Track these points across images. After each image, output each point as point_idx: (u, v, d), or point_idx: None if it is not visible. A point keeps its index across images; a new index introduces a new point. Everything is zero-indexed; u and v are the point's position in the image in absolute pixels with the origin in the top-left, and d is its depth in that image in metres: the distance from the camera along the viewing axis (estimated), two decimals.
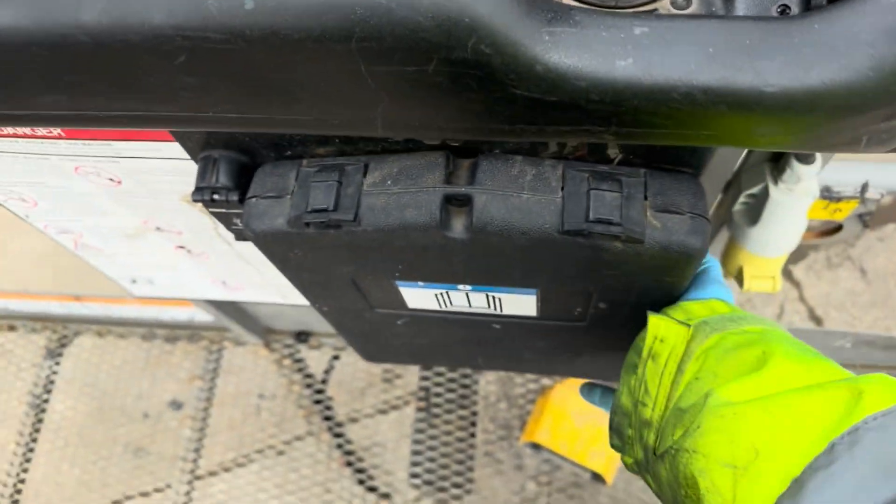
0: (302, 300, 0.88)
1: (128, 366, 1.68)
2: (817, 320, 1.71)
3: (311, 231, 0.48)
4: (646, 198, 0.45)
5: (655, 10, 0.39)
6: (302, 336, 1.66)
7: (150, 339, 1.69)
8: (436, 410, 1.55)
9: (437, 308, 0.61)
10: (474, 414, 1.54)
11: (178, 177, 0.57)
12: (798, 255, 1.78)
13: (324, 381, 1.62)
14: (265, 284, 0.83)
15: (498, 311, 0.60)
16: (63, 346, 1.71)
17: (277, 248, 0.51)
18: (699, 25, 0.29)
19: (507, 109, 0.31)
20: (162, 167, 0.56)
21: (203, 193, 0.51)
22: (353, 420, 1.58)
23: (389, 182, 0.46)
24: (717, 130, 0.30)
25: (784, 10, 0.38)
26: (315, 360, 1.65)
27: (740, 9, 0.38)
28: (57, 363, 1.69)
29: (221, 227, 0.67)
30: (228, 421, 1.59)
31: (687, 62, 0.28)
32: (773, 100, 0.28)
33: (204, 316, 1.54)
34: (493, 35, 0.27)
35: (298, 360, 1.65)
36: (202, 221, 0.66)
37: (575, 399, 1.28)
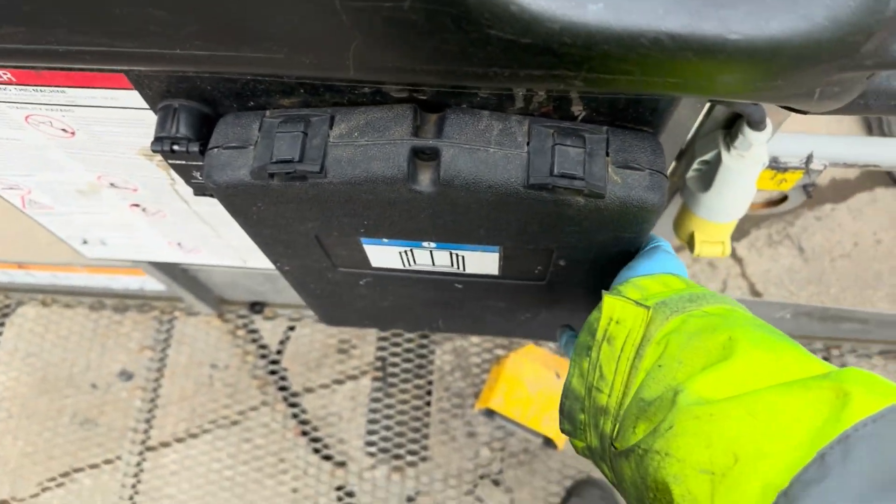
0: (262, 264, 0.87)
1: (74, 336, 1.63)
2: (757, 295, 1.78)
3: (276, 183, 0.47)
4: (607, 154, 0.46)
5: None
6: (256, 307, 1.64)
7: (98, 310, 1.65)
8: (392, 380, 1.56)
9: (401, 267, 0.62)
10: (430, 384, 1.56)
11: (136, 128, 0.56)
12: (740, 233, 1.85)
13: (279, 353, 1.61)
14: (223, 247, 0.82)
15: (460, 270, 0.61)
16: (5, 315, 1.65)
17: (239, 202, 0.51)
18: None
19: (482, 52, 0.31)
20: (118, 117, 0.54)
21: (163, 143, 0.50)
22: (309, 390, 1.58)
23: (356, 134, 0.46)
24: (682, 77, 0.31)
25: None
26: (269, 331, 1.64)
27: None
28: None
29: (179, 184, 0.66)
30: (180, 391, 1.57)
31: (655, 9, 0.29)
32: (736, 47, 0.29)
33: (155, 285, 1.50)
34: None
35: (253, 331, 1.64)
36: (159, 177, 0.64)
37: (529, 367, 1.31)
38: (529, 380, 1.28)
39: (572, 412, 0.48)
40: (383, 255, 0.59)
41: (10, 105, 0.54)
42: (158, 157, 0.61)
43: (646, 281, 0.48)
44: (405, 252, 0.59)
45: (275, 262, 0.65)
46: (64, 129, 0.57)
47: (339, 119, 0.47)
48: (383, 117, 0.46)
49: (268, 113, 0.49)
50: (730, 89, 0.32)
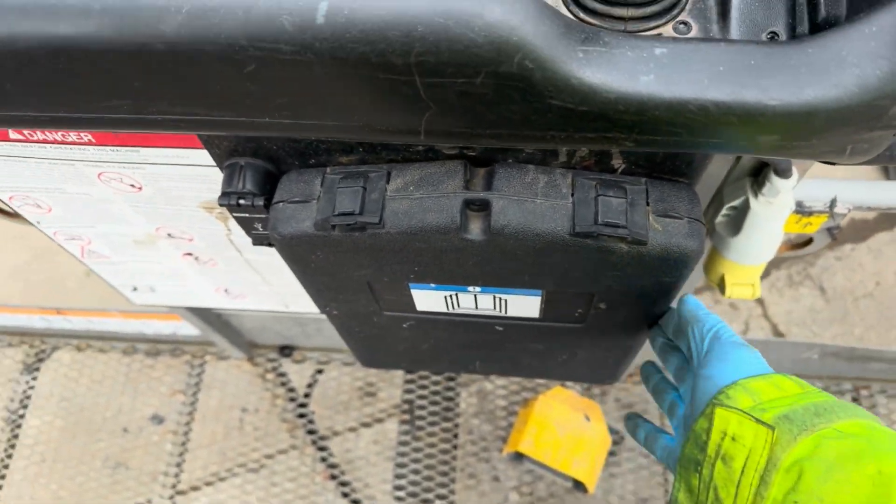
0: (303, 309, 0.90)
1: (107, 380, 1.67)
2: (780, 335, 1.78)
3: (337, 234, 0.51)
4: (647, 203, 0.49)
5: (660, 34, 0.44)
6: (286, 350, 1.67)
7: (130, 354, 1.68)
8: (419, 423, 1.57)
9: (445, 310, 0.65)
10: (456, 426, 1.57)
11: (200, 183, 0.60)
12: (761, 274, 1.86)
13: (307, 396, 1.63)
14: (268, 293, 0.86)
15: (502, 313, 0.64)
16: (40, 360, 1.69)
17: (300, 251, 0.54)
18: (710, 47, 0.33)
19: (543, 118, 0.35)
20: (185, 174, 0.58)
21: (230, 198, 0.54)
22: (336, 433, 1.59)
23: (412, 188, 0.50)
24: (724, 138, 0.35)
25: (773, 37, 0.43)
26: (298, 374, 1.66)
27: (735, 35, 0.43)
28: (34, 378, 1.67)
29: (234, 234, 0.70)
30: (211, 435, 1.59)
31: (701, 79, 0.33)
32: (775, 112, 0.33)
33: (188, 330, 1.54)
34: (536, 52, 0.31)
35: (282, 375, 1.66)
36: (216, 228, 0.68)
37: (557, 409, 1.31)
38: (559, 422, 1.29)
39: None
40: (429, 299, 0.62)
41: (86, 164, 0.58)
42: (218, 209, 0.65)
43: (757, 384, 0.44)
44: (450, 296, 0.61)
45: (323, 308, 0.68)
46: (132, 185, 0.61)
47: (395, 174, 0.51)
48: (436, 172, 0.50)
49: (328, 170, 0.53)
50: (768, 148, 0.35)
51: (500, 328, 0.67)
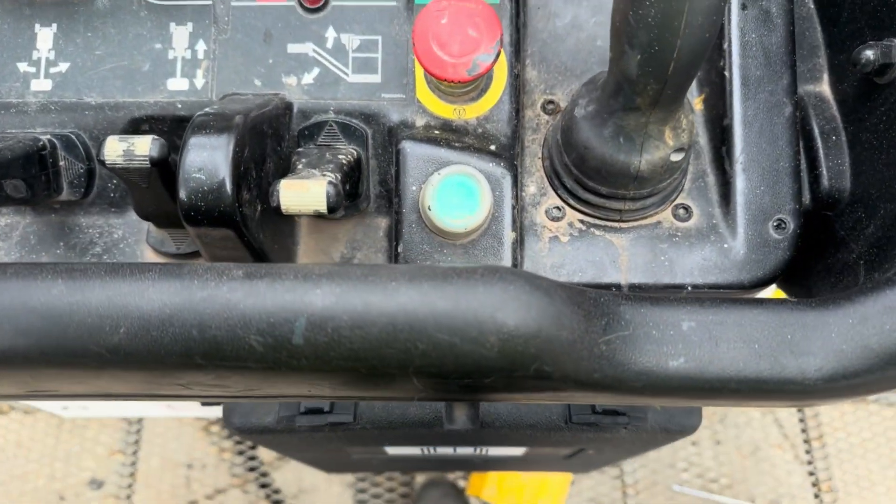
0: None
1: (36, 444, 1.54)
2: None
3: (304, 428, 0.45)
4: None
5: (658, 222, 0.40)
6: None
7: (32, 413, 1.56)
8: (375, 479, 1.53)
9: (420, 455, 0.60)
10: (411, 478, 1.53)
11: None
12: None
13: (255, 447, 1.56)
14: None
15: (483, 454, 0.60)
16: None
17: (261, 439, 0.48)
18: (742, 316, 0.29)
19: (556, 397, 0.30)
20: None
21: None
22: (298, 488, 1.53)
23: None
24: (758, 403, 0.31)
25: (780, 224, 0.40)
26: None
27: (739, 219, 0.40)
28: None
29: None
30: (156, 496, 1.50)
31: (738, 359, 0.29)
32: (817, 386, 0.29)
33: None
34: (555, 357, 0.27)
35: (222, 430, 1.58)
36: None
37: None
38: None
39: None
40: (404, 451, 0.58)
41: None
42: None
43: None
44: (426, 449, 0.57)
45: (291, 455, 0.62)
46: None
47: None
48: None
49: None
50: (800, 405, 0.32)
51: (479, 462, 0.64)
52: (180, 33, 0.40)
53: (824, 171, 0.41)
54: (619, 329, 0.28)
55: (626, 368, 0.28)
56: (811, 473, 1.51)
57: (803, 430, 1.55)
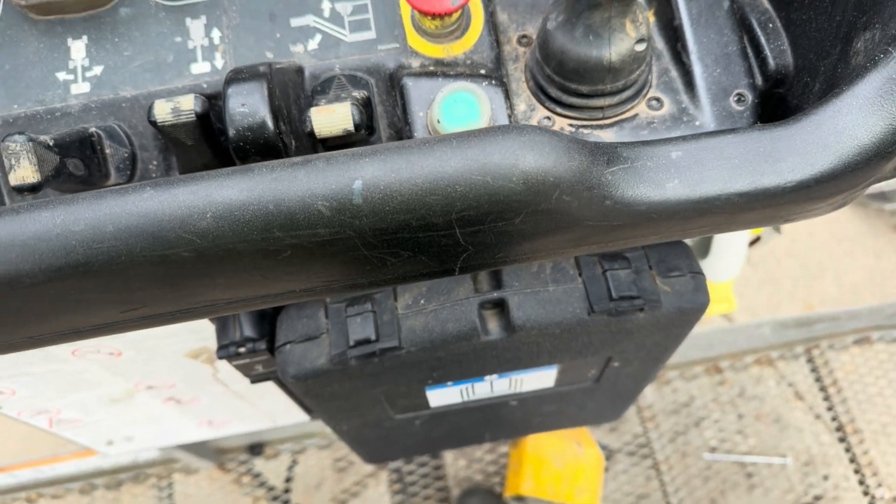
0: (293, 420, 0.87)
1: None
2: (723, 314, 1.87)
3: (354, 364, 0.49)
4: (650, 268, 0.50)
5: (636, 114, 0.46)
6: (256, 449, 1.59)
7: (89, 492, 1.56)
8: (411, 489, 1.54)
9: (460, 400, 0.64)
10: (446, 484, 1.54)
11: (187, 335, 0.56)
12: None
13: (287, 491, 1.56)
14: (256, 414, 0.82)
15: (517, 391, 0.64)
16: None
17: (314, 386, 0.52)
18: (720, 141, 0.35)
19: (578, 237, 0.35)
20: (168, 330, 0.55)
21: (228, 350, 0.52)
22: None
23: (423, 301, 0.49)
24: (749, 220, 0.36)
25: (740, 98, 0.45)
26: (274, 470, 1.59)
27: (704, 100, 0.46)
28: None
29: (222, 373, 0.67)
30: None
31: (722, 175, 0.34)
32: (793, 190, 0.34)
33: (148, 453, 1.44)
34: (571, 186, 0.32)
35: (257, 475, 1.58)
36: (202, 371, 0.65)
37: (549, 442, 1.32)
38: (554, 455, 1.29)
39: None
40: (444, 396, 0.61)
41: (56, 345, 0.54)
42: (205, 355, 0.61)
43: None
44: (466, 389, 0.61)
45: (333, 425, 0.65)
46: (111, 353, 0.57)
47: (400, 290, 0.50)
48: (443, 280, 0.50)
49: (328, 299, 0.51)
50: (784, 219, 0.37)
51: (515, 403, 0.67)
52: (196, 26, 0.46)
53: (769, 54, 0.47)
54: (620, 163, 0.34)
55: (630, 193, 0.33)
56: (833, 419, 1.54)
57: (818, 380, 1.59)
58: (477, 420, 0.73)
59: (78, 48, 0.46)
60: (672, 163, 0.34)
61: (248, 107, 0.37)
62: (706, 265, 0.76)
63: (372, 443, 0.75)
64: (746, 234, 0.72)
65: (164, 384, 0.67)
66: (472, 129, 0.32)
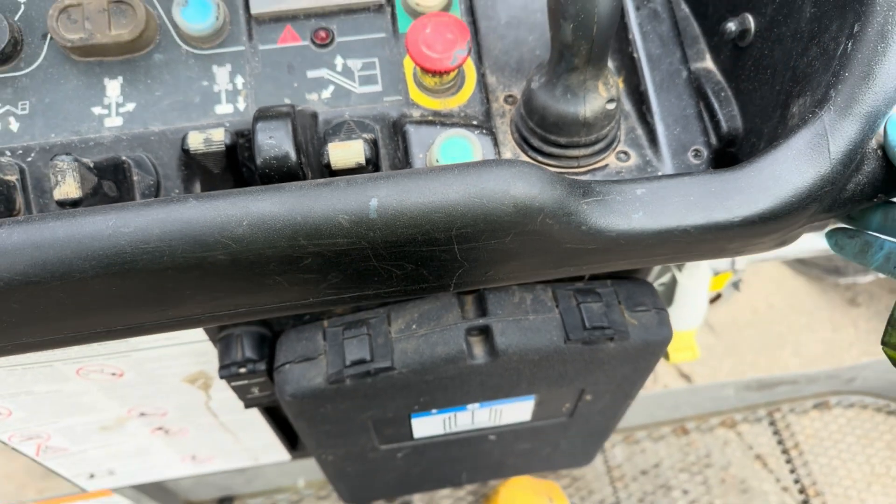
0: (274, 459, 0.89)
1: None
2: (686, 377, 1.92)
3: (349, 384, 0.53)
4: (619, 302, 0.56)
5: (606, 164, 0.52)
6: (225, 502, 1.57)
7: None
8: None
9: (442, 432, 0.67)
10: None
11: (188, 358, 0.60)
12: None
13: None
14: (238, 451, 0.83)
15: (497, 423, 0.68)
16: None
17: (309, 407, 0.56)
18: (679, 182, 0.41)
19: (558, 259, 0.40)
20: (172, 353, 0.59)
21: (230, 370, 0.55)
22: None
23: (414, 326, 0.54)
24: (703, 251, 0.42)
25: (697, 153, 0.52)
26: None
27: (665, 154, 0.52)
28: None
29: (214, 401, 0.69)
30: None
31: (679, 210, 0.40)
32: (740, 225, 0.41)
33: None
34: (553, 211, 0.37)
35: None
36: (196, 397, 0.67)
37: (521, 497, 1.33)
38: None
39: None
40: (428, 425, 0.65)
41: (65, 362, 0.57)
42: (202, 380, 0.64)
43: None
44: (449, 418, 0.64)
45: (319, 455, 0.68)
46: (114, 373, 0.60)
47: (394, 316, 0.55)
48: (433, 308, 0.54)
49: (326, 323, 0.55)
50: (733, 251, 0.43)
51: (494, 437, 0.71)
52: (222, 73, 0.52)
53: (721, 118, 0.54)
54: (594, 195, 0.39)
55: (602, 221, 0.39)
56: (796, 482, 1.58)
57: (780, 443, 1.63)
58: (456, 457, 0.76)
59: (113, 87, 0.51)
60: (637, 198, 0.40)
61: (276, 139, 0.42)
62: (671, 316, 0.82)
63: (353, 478, 0.77)
64: (706, 286, 0.78)
65: (156, 411, 0.69)
66: (470, 161, 0.38)
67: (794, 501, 1.56)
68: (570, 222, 0.38)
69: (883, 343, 0.45)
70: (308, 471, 1.54)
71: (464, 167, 0.37)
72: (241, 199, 0.35)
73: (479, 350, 0.54)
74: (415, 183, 0.36)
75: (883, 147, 0.42)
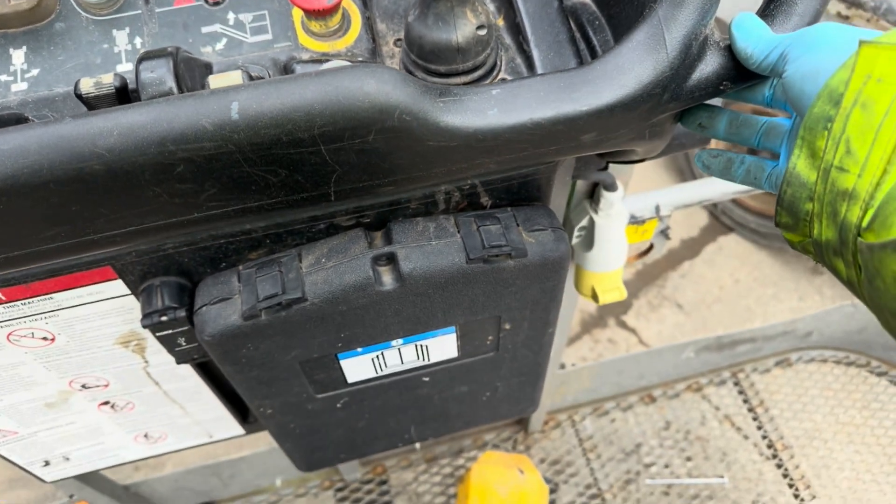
0: (227, 432, 0.90)
1: None
2: (646, 345, 1.96)
3: (264, 319, 0.56)
4: (518, 224, 0.59)
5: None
6: None
7: None
8: None
9: (374, 374, 0.70)
10: None
11: (116, 317, 0.62)
12: (625, 307, 2.06)
13: None
14: (189, 425, 0.85)
15: (426, 361, 0.70)
16: None
17: (231, 348, 0.58)
18: (531, 82, 0.45)
19: (425, 159, 0.44)
20: (100, 310, 0.61)
21: (152, 318, 0.58)
22: None
23: (323, 259, 0.57)
24: (559, 143, 0.46)
25: None
26: None
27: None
28: None
29: (152, 365, 0.72)
30: None
31: (531, 104, 0.44)
32: (588, 114, 0.44)
33: None
34: (409, 107, 0.41)
35: None
36: (133, 363, 0.70)
37: (493, 472, 1.35)
38: (498, 483, 1.32)
39: (795, 202, 0.41)
40: (358, 367, 0.68)
41: None
42: (135, 341, 0.67)
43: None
44: (377, 357, 0.67)
45: (258, 408, 0.70)
46: (45, 338, 0.62)
47: (305, 254, 0.57)
48: (341, 242, 0.57)
49: (241, 267, 0.58)
50: (591, 145, 0.47)
51: (427, 378, 0.73)
52: (121, 35, 0.55)
53: (596, 44, 0.58)
54: (450, 96, 0.43)
55: (460, 119, 0.43)
56: (764, 437, 1.61)
57: (745, 402, 1.67)
58: (397, 405, 0.79)
59: (18, 56, 0.54)
60: (492, 97, 0.44)
61: (157, 74, 0.45)
62: (594, 258, 0.85)
63: (299, 438, 0.79)
64: (623, 224, 0.82)
65: (97, 382, 0.71)
66: (331, 66, 0.41)
67: (764, 456, 1.59)
68: (428, 119, 0.42)
69: (776, 224, 0.45)
70: (284, 469, 1.55)
71: (323, 72, 0.40)
72: (113, 113, 0.38)
73: (387, 277, 0.57)
74: (275, 87, 0.39)
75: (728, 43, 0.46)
